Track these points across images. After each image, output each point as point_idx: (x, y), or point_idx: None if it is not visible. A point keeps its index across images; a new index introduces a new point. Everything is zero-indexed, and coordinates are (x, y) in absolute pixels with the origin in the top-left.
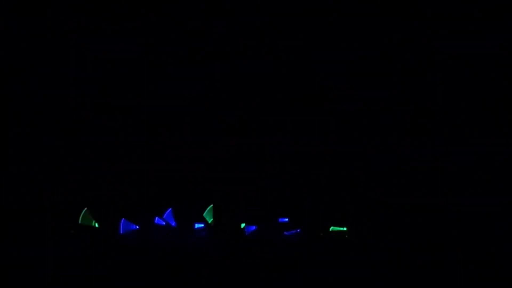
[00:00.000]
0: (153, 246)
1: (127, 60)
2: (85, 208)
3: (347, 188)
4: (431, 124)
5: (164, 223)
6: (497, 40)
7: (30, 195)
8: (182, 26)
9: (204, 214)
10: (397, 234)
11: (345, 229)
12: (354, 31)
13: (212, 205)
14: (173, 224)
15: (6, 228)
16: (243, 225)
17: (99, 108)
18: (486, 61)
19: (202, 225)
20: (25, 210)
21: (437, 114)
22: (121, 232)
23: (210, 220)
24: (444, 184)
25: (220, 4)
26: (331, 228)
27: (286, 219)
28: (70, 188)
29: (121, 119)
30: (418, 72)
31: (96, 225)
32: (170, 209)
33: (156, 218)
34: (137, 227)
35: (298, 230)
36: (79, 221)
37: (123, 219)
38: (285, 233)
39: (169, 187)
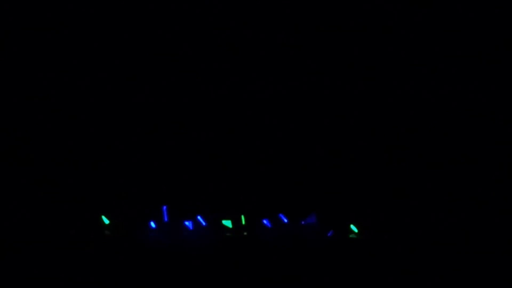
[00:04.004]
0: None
1: (127, 60)
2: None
3: (346, 188)
4: (431, 124)
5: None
6: (497, 40)
7: (31, 195)
8: (182, 26)
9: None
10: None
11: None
12: (354, 31)
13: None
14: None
15: (5, 228)
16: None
17: (99, 107)
18: (486, 61)
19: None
20: (25, 210)
21: (438, 114)
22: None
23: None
24: (445, 184)
25: (220, 4)
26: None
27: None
28: (70, 187)
29: (121, 119)
30: (418, 72)
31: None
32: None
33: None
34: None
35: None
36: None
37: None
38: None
39: (168, 187)
